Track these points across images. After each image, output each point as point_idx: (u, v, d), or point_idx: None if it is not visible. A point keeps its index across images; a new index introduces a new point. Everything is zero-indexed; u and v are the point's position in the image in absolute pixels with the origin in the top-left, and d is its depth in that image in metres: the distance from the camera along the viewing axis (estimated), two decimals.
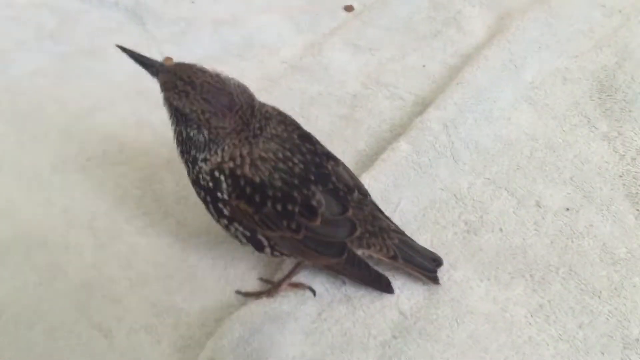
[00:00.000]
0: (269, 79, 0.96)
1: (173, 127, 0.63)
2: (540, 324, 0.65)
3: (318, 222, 0.62)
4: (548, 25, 0.95)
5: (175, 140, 0.64)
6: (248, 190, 0.60)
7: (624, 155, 0.79)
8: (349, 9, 1.07)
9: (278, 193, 0.60)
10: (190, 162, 0.63)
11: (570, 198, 0.76)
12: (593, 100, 0.87)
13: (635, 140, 0.80)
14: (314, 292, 0.69)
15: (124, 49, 0.65)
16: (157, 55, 1.00)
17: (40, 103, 0.94)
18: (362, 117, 0.89)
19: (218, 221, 0.65)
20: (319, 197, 0.62)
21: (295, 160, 0.62)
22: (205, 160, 0.62)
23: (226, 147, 0.61)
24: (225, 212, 0.63)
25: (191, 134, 0.61)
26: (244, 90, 0.62)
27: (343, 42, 1.00)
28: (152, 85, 0.95)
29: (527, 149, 0.82)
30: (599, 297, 0.66)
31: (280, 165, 0.61)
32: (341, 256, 0.65)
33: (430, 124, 0.82)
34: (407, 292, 0.69)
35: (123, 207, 0.80)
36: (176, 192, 0.81)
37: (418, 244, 0.70)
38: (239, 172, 0.60)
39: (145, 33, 1.05)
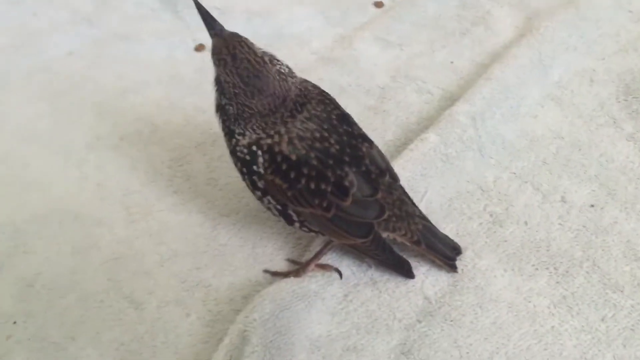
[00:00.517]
0: (299, 69, 0.95)
1: (216, 94, 0.66)
2: (562, 314, 0.66)
3: (349, 202, 0.63)
4: (576, 28, 0.96)
5: (216, 111, 0.67)
6: (284, 166, 0.62)
7: None
8: (378, 5, 1.08)
9: (312, 171, 0.62)
10: (227, 133, 0.65)
11: (595, 195, 0.77)
12: (619, 101, 0.88)
13: None
14: (340, 274, 0.70)
15: (196, 3, 0.67)
16: (190, 43, 1.03)
17: (75, 83, 0.96)
18: (390, 108, 0.90)
19: (253, 192, 0.66)
20: (352, 178, 0.63)
21: (332, 141, 0.63)
22: (242, 134, 0.64)
23: (250, 128, 0.63)
24: (260, 184, 0.64)
25: (223, 102, 0.64)
26: (284, 79, 0.64)
27: (373, 37, 1.01)
28: (184, 71, 0.98)
29: (552, 146, 0.83)
30: (622, 291, 0.67)
31: (317, 144, 0.62)
32: (368, 237, 0.66)
33: (458, 116, 0.83)
34: (431, 278, 0.70)
35: (154, 185, 0.82)
36: (206, 173, 0.83)
37: (440, 232, 0.71)
38: (276, 148, 0.62)
39: (179, 20, 1.07)
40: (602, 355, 0.63)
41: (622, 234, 0.73)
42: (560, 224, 0.74)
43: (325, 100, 0.67)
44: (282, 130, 0.63)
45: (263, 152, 0.63)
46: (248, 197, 0.79)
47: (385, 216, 0.66)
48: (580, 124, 0.85)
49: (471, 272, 0.71)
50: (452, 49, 0.99)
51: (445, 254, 0.70)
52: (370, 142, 0.68)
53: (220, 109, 0.66)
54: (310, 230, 0.67)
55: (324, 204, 0.63)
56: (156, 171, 0.83)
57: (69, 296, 0.71)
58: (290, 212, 0.65)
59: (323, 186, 0.62)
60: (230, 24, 1.03)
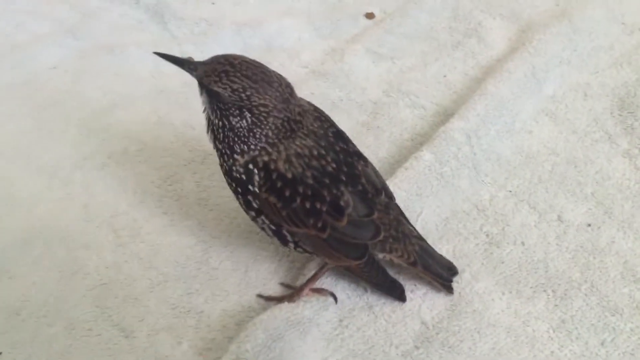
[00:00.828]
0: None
1: (213, 119, 0.63)
2: (562, 339, 0.65)
3: (344, 222, 0.62)
4: (569, 40, 0.96)
5: (210, 132, 0.64)
6: (279, 184, 0.60)
7: None
8: (370, 16, 1.07)
9: (308, 190, 0.61)
10: (226, 153, 0.63)
11: (592, 214, 0.76)
12: (614, 116, 0.87)
13: None
14: (335, 298, 0.69)
15: (160, 55, 0.65)
16: (177, 55, 1.00)
17: (59, 98, 0.94)
18: (383, 124, 0.89)
19: (246, 212, 0.65)
20: (347, 198, 0.62)
21: (329, 159, 0.62)
22: (242, 152, 0.61)
23: (266, 134, 0.61)
24: (254, 204, 0.63)
25: (233, 121, 0.61)
26: (280, 74, 0.63)
27: (364, 49, 1.00)
28: (172, 85, 0.96)
29: (548, 163, 0.82)
30: (621, 314, 0.67)
31: (314, 162, 0.61)
32: (362, 258, 0.65)
33: (453, 134, 0.82)
34: (428, 302, 0.69)
35: (143, 206, 0.79)
36: (197, 193, 0.81)
37: (437, 252, 0.70)
38: (272, 166, 0.60)
39: (166, 32, 1.05)
40: None
41: (620, 254, 0.72)
42: (557, 244, 0.73)
43: (321, 117, 0.66)
44: (281, 147, 0.61)
45: (259, 170, 0.61)
46: (240, 218, 0.77)
47: (381, 237, 0.65)
48: (575, 139, 0.85)
49: (469, 295, 0.70)
50: (444, 62, 0.97)
51: (441, 275, 0.69)
52: (365, 159, 0.67)
53: (224, 132, 0.62)
54: (305, 251, 0.66)
55: (319, 224, 0.62)
56: (145, 191, 0.81)
57: (56, 325, 0.68)
58: (285, 232, 0.64)
59: (318, 206, 0.61)
60: (219, 36, 1.03)
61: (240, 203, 0.65)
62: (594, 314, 0.67)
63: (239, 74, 0.59)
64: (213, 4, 1.12)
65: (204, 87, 0.62)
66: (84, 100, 0.93)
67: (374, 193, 0.65)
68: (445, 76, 0.95)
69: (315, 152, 0.62)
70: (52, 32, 1.05)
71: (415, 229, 0.70)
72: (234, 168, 0.63)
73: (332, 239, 0.63)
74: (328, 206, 0.61)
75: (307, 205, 0.61)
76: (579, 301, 0.68)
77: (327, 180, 0.61)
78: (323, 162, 0.62)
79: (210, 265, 0.73)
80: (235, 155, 0.62)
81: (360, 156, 0.66)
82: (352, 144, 0.67)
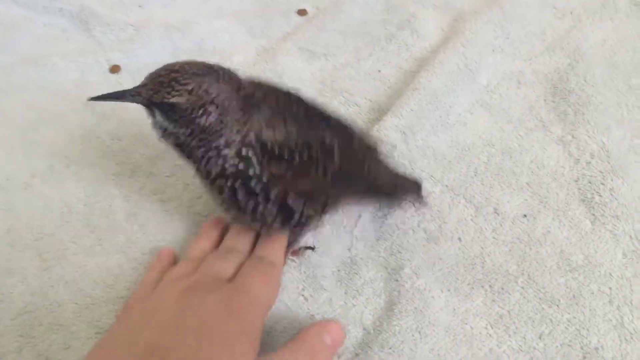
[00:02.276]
0: None
1: (176, 132, 0.59)
2: (500, 335, 0.65)
3: (336, 159, 0.62)
4: (501, 28, 0.95)
5: (177, 149, 0.61)
6: (276, 150, 0.59)
7: (578, 159, 0.79)
8: (302, 12, 1.05)
9: (298, 142, 0.60)
10: (210, 156, 0.59)
11: (528, 204, 0.75)
12: (547, 103, 0.87)
13: (589, 144, 0.80)
14: (312, 248, 0.71)
15: (96, 98, 0.62)
16: (103, 63, 0.96)
17: None
18: None
19: (246, 207, 0.62)
20: (329, 136, 0.62)
21: (294, 108, 0.62)
22: (227, 144, 0.58)
23: (232, 130, 0.58)
24: (258, 188, 0.60)
25: (201, 122, 0.57)
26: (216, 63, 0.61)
27: (297, 48, 0.98)
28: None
29: (483, 154, 0.81)
30: (558, 305, 0.66)
31: (286, 115, 0.60)
32: (365, 187, 0.68)
33: (387, 132, 0.81)
34: (370, 307, 0.68)
35: (69, 226, 0.76)
36: (126, 208, 0.78)
37: (401, 171, 0.75)
38: (263, 136, 0.58)
39: (92, 40, 1.01)
40: None
41: (556, 244, 0.71)
42: (494, 237, 0.73)
43: (268, 84, 0.65)
44: (254, 118, 0.59)
45: (253, 148, 0.58)
46: (171, 233, 0.75)
47: (367, 163, 0.67)
48: (510, 129, 0.84)
49: (409, 292, 0.68)
50: (378, 57, 0.96)
51: (414, 192, 0.75)
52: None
53: (184, 141, 0.59)
54: (308, 219, 0.65)
55: (320, 169, 0.62)
56: (71, 210, 0.78)
57: None
58: (291, 202, 0.62)
59: (313, 153, 0.61)
60: (147, 42, 0.99)
61: (239, 203, 0.62)
62: (531, 307, 0.66)
63: (186, 76, 0.56)
64: (140, 6, 1.08)
65: (155, 106, 0.58)
66: (7, 117, 0.89)
67: (343, 123, 0.67)
68: (379, 71, 0.93)
69: (281, 106, 0.61)
70: None
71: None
72: (226, 165, 0.59)
73: (334, 178, 0.63)
74: (320, 151, 0.61)
75: (305, 156, 0.60)
76: (516, 295, 0.67)
77: (305, 125, 0.61)
78: (293, 112, 0.61)
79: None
80: (223, 151, 0.59)
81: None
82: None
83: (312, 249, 0.72)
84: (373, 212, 0.75)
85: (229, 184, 0.60)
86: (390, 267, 0.70)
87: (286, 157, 0.59)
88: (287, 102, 0.63)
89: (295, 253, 0.72)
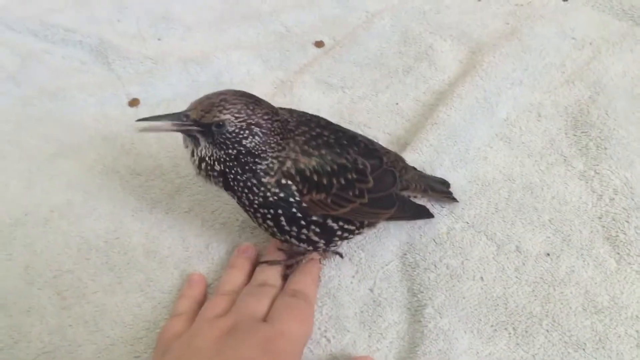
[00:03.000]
0: None
1: (221, 156, 0.62)
2: None
3: (371, 182, 0.65)
4: (520, 60, 0.95)
5: (219, 177, 0.63)
6: (315, 178, 0.62)
7: (601, 195, 0.78)
8: (319, 44, 1.05)
9: (335, 167, 0.63)
10: (252, 184, 0.62)
11: (550, 242, 0.74)
12: (568, 137, 0.86)
13: (612, 180, 0.79)
14: (341, 255, 0.74)
15: (144, 119, 0.63)
16: (122, 97, 0.97)
17: (0, 150, 0.90)
18: None
19: (290, 231, 0.64)
20: (360, 159, 0.65)
21: (326, 133, 0.65)
22: (267, 173, 0.61)
23: (276, 140, 0.61)
24: (299, 214, 0.62)
25: (247, 143, 0.60)
26: None
27: (314, 80, 0.98)
28: (117, 129, 0.93)
29: (504, 190, 0.80)
30: (584, 349, 0.65)
31: (319, 141, 0.63)
32: (395, 204, 0.69)
33: None
34: (394, 350, 0.67)
35: (88, 263, 0.76)
36: (144, 245, 0.77)
37: (428, 174, 0.79)
38: (301, 165, 0.61)
39: (111, 73, 1.02)
40: None
41: (580, 284, 0.70)
42: (516, 277, 0.71)
43: (297, 111, 0.68)
44: (291, 146, 0.62)
45: (293, 177, 0.61)
46: (191, 269, 0.74)
47: (398, 179, 0.70)
48: (530, 164, 0.83)
49: (433, 332, 0.67)
50: (396, 89, 0.95)
51: (443, 190, 0.78)
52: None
53: (228, 166, 0.62)
54: (350, 234, 0.68)
55: (357, 192, 0.64)
56: (90, 246, 0.77)
57: None
58: (331, 223, 0.65)
59: (349, 176, 0.63)
60: (165, 75, 1.00)
61: (282, 230, 0.64)
62: (557, 351, 0.65)
63: (234, 97, 0.60)
64: (159, 39, 1.09)
65: (203, 127, 0.60)
66: (25, 150, 0.90)
67: (369, 143, 0.69)
68: (397, 104, 0.93)
69: (313, 133, 0.64)
70: None
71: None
72: (268, 194, 0.61)
73: (372, 200, 0.65)
74: (355, 173, 0.64)
75: (342, 180, 0.63)
76: (541, 338, 0.66)
77: (338, 150, 0.64)
78: (325, 138, 0.64)
79: (159, 325, 0.70)
80: (264, 179, 0.61)
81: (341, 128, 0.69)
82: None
83: (341, 256, 0.73)
84: (395, 250, 0.75)
85: (272, 211, 0.62)
86: (414, 307, 0.70)
87: (325, 183, 0.62)
88: (318, 128, 0.65)
89: (324, 255, 0.73)
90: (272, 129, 0.61)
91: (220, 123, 0.59)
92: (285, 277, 0.70)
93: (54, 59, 1.05)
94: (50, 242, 0.78)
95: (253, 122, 0.60)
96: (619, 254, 0.72)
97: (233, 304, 0.65)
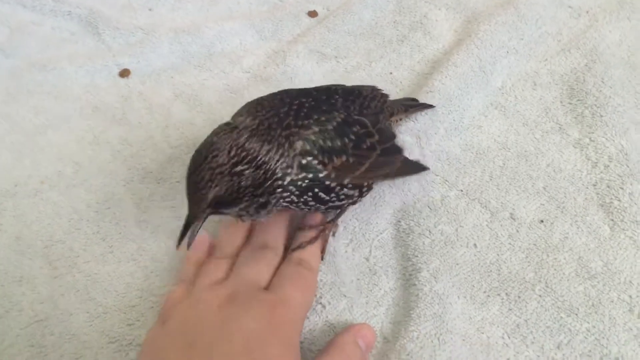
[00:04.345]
0: (232, 90, 0.92)
1: (246, 207, 0.61)
2: (517, 345, 0.63)
3: (375, 134, 0.66)
4: (515, 29, 0.93)
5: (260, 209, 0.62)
6: (329, 143, 0.62)
7: (596, 162, 0.77)
8: (312, 14, 1.03)
9: (335, 124, 0.63)
10: (287, 192, 0.61)
11: (545, 209, 0.74)
12: (564, 105, 0.85)
13: (607, 147, 0.78)
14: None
15: (180, 242, 0.61)
16: (113, 68, 0.96)
17: None
18: None
19: (330, 202, 0.64)
20: (352, 113, 0.66)
21: (303, 99, 0.65)
22: (284, 176, 0.60)
23: (270, 138, 0.60)
24: (332, 184, 0.63)
25: (245, 184, 0.59)
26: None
27: (308, 50, 0.96)
28: (108, 100, 0.92)
29: (499, 158, 0.79)
30: (577, 314, 0.65)
31: (305, 110, 0.63)
32: (402, 149, 0.72)
33: (402, 135, 0.79)
34: (390, 317, 0.67)
35: (80, 233, 0.75)
36: (136, 215, 0.77)
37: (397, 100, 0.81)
38: (308, 147, 0.61)
39: (101, 44, 1.00)
40: None
41: (574, 251, 0.70)
42: (510, 243, 0.71)
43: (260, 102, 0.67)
44: (284, 136, 0.61)
45: (309, 153, 0.61)
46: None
47: (389, 117, 0.72)
48: (525, 132, 0.82)
49: (428, 296, 0.67)
50: (390, 58, 0.94)
51: (418, 104, 0.82)
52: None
53: (252, 203, 0.61)
54: (369, 188, 0.68)
55: (369, 145, 0.65)
56: (81, 217, 0.77)
57: None
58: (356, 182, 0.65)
59: (355, 129, 0.64)
60: (156, 45, 0.99)
61: (323, 201, 0.64)
62: (549, 316, 0.65)
63: (197, 171, 0.58)
64: (150, 10, 1.07)
65: (211, 210, 0.60)
66: (14, 123, 0.89)
67: (346, 89, 0.71)
68: (391, 73, 0.92)
69: (295, 107, 0.63)
70: None
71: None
72: (299, 183, 0.61)
73: (383, 151, 0.67)
74: (358, 125, 0.65)
75: (352, 137, 0.64)
76: (534, 303, 0.66)
77: (325, 108, 0.64)
78: (306, 105, 0.64)
79: (151, 293, 0.69)
80: (288, 181, 0.60)
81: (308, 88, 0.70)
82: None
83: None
84: (389, 218, 0.74)
85: (310, 194, 0.62)
86: (408, 272, 0.69)
87: (339, 144, 0.62)
88: (293, 100, 0.65)
89: (333, 227, 0.72)
90: (253, 146, 0.59)
91: (213, 200, 0.58)
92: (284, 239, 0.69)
93: (43, 30, 1.03)
94: (40, 212, 0.78)
95: (229, 168, 0.58)
96: (612, 220, 0.72)
97: (232, 268, 0.64)
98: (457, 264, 0.70)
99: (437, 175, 0.78)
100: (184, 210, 0.75)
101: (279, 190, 0.60)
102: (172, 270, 0.71)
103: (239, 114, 0.65)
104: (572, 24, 0.96)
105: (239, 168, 0.58)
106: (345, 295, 0.67)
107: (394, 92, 0.89)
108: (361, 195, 0.68)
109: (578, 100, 0.85)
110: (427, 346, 0.63)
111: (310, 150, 0.61)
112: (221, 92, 0.91)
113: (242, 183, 0.58)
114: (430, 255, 0.70)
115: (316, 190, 0.62)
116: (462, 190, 0.77)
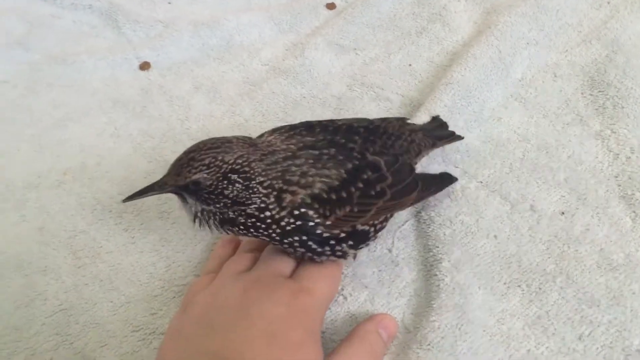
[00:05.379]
0: (251, 82, 0.92)
1: (215, 211, 0.59)
2: (538, 336, 0.63)
3: (388, 177, 0.62)
4: (535, 20, 0.93)
5: (227, 228, 0.60)
6: (333, 196, 0.58)
7: (618, 154, 0.77)
8: (330, 6, 1.03)
9: (345, 176, 0.59)
10: (264, 224, 0.58)
11: (565, 201, 0.73)
12: (585, 97, 0.84)
13: (629, 139, 0.78)
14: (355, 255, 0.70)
15: (128, 199, 0.60)
16: (133, 61, 0.96)
17: (10, 115, 0.90)
18: None
19: (325, 254, 0.61)
20: (368, 155, 0.62)
21: (325, 146, 0.61)
22: (273, 208, 0.57)
23: (265, 177, 0.57)
24: (327, 234, 0.59)
25: (228, 193, 0.57)
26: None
27: (326, 42, 0.96)
28: (128, 94, 0.92)
29: (519, 150, 0.79)
30: (598, 306, 0.64)
31: (324, 159, 0.59)
32: (417, 186, 0.66)
33: None
34: (412, 308, 0.67)
35: (102, 224, 0.76)
36: (158, 206, 0.78)
37: (427, 124, 0.77)
38: (315, 190, 0.57)
39: (121, 37, 1.01)
40: None
41: (595, 243, 0.69)
42: (530, 235, 0.71)
43: (282, 130, 0.64)
44: (291, 170, 0.58)
45: (308, 205, 0.57)
46: (204, 230, 0.74)
47: (409, 158, 0.67)
48: (546, 124, 0.82)
49: (449, 286, 0.66)
50: (409, 51, 0.94)
51: (447, 135, 0.76)
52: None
53: (230, 216, 0.59)
54: (381, 229, 0.65)
55: (379, 190, 0.61)
56: (104, 208, 0.78)
57: (15, 357, 0.65)
58: (361, 228, 0.62)
59: (365, 176, 0.60)
60: (176, 38, 0.99)
61: (314, 253, 0.60)
62: (570, 307, 0.65)
63: (202, 152, 0.56)
64: (169, 3, 1.08)
65: (183, 189, 0.58)
66: (36, 115, 0.90)
67: (369, 124, 0.67)
68: (410, 65, 0.92)
69: (312, 152, 0.60)
70: (0, 45, 1.00)
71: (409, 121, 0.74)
72: (282, 224, 0.58)
73: (395, 193, 0.63)
74: (369, 170, 0.61)
75: (360, 185, 0.60)
76: (555, 295, 0.66)
77: (341, 158, 0.60)
78: (325, 152, 0.60)
79: (173, 283, 0.70)
80: (277, 215, 0.57)
81: (333, 122, 0.67)
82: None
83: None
84: (410, 209, 0.74)
85: (296, 238, 0.59)
86: (429, 262, 0.69)
87: (345, 196, 0.58)
88: (309, 135, 0.62)
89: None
90: (253, 171, 0.57)
91: (195, 182, 0.56)
92: None
93: (63, 23, 1.04)
94: (63, 204, 0.79)
95: (227, 170, 0.56)
96: (634, 212, 0.71)
97: (256, 261, 0.64)
98: (478, 255, 0.70)
99: (456, 167, 0.78)
100: None
101: (252, 219, 0.58)
102: (194, 261, 0.72)
103: (268, 134, 0.64)
104: (593, 15, 0.95)
105: (234, 177, 0.56)
106: (366, 287, 0.68)
107: (413, 85, 0.89)
108: (369, 238, 0.64)
109: (599, 91, 0.84)
110: (448, 336, 0.63)
111: (311, 204, 0.57)
112: (240, 85, 0.92)
113: (226, 192, 0.57)
114: (451, 245, 0.70)
115: (304, 237, 0.59)
116: (481, 182, 0.77)
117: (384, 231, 0.71)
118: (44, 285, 0.71)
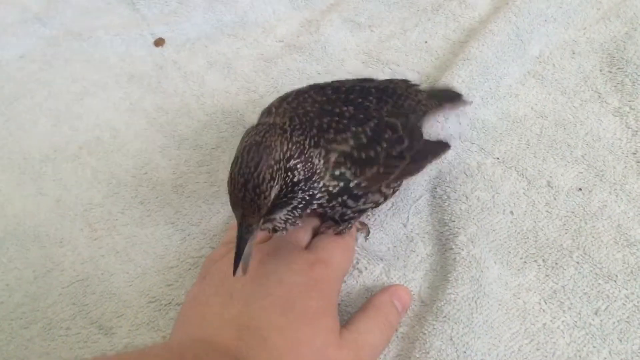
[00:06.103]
0: (265, 59, 0.92)
1: (298, 208, 0.56)
2: (554, 310, 0.63)
3: (405, 141, 0.63)
4: None
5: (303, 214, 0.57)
6: (363, 155, 0.58)
7: (636, 131, 0.76)
8: None
9: (368, 133, 0.59)
10: (314, 194, 0.56)
11: (583, 177, 0.73)
12: (603, 74, 0.83)
13: None
14: (368, 232, 0.70)
15: (236, 268, 0.52)
16: (148, 37, 0.96)
17: (28, 89, 0.90)
18: None
19: (359, 210, 0.62)
20: (384, 114, 0.63)
21: (338, 105, 0.61)
22: (320, 176, 0.56)
23: (308, 155, 0.55)
24: (360, 193, 0.60)
25: (297, 176, 0.54)
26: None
27: (341, 19, 0.96)
28: (143, 69, 0.92)
29: (536, 126, 0.78)
30: (615, 281, 0.64)
31: (347, 122, 0.60)
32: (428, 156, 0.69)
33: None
34: (428, 281, 0.67)
35: (118, 197, 0.77)
36: (173, 180, 0.78)
37: (435, 87, 0.79)
38: (344, 148, 0.58)
39: (135, 13, 1.01)
40: (597, 352, 0.60)
41: (613, 218, 0.69)
42: (547, 211, 0.70)
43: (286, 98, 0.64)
44: (323, 126, 0.58)
45: (343, 164, 0.57)
46: (218, 203, 0.75)
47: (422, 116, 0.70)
48: (563, 100, 0.81)
49: (466, 260, 0.66)
50: (425, 27, 0.93)
51: (454, 97, 0.78)
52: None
53: (303, 205, 0.56)
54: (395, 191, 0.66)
55: (399, 153, 0.62)
56: (119, 181, 0.78)
57: (32, 326, 0.66)
58: (384, 189, 0.63)
59: (387, 135, 0.61)
60: (190, 15, 0.99)
61: (349, 213, 0.61)
62: (587, 282, 0.64)
63: (254, 174, 0.51)
64: None
65: (268, 212, 0.54)
66: (53, 90, 0.90)
67: (379, 85, 0.68)
68: (426, 42, 0.91)
69: (331, 109, 0.61)
70: (18, 20, 1.01)
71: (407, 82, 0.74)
72: (330, 188, 0.57)
73: (412, 158, 0.64)
74: (391, 132, 0.61)
75: (384, 144, 0.60)
76: (571, 270, 0.65)
77: (361, 117, 0.61)
78: (344, 109, 0.61)
79: (189, 255, 0.71)
80: (323, 182, 0.56)
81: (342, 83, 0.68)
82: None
83: (368, 233, 0.71)
84: (425, 185, 0.74)
85: (339, 199, 0.59)
86: (445, 237, 0.69)
87: (373, 155, 0.59)
88: (330, 100, 0.62)
89: (362, 225, 0.70)
90: (299, 151, 0.54)
91: (274, 202, 0.52)
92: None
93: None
94: (79, 177, 0.79)
95: (290, 166, 0.53)
96: None
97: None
98: (494, 230, 0.69)
99: (472, 144, 0.78)
100: (219, 175, 0.77)
101: (316, 189, 0.57)
102: (209, 234, 0.72)
103: (269, 112, 0.62)
104: None
105: (292, 162, 0.53)
106: (382, 259, 0.68)
107: (429, 61, 0.88)
108: (385, 200, 0.65)
109: (618, 68, 0.83)
110: (464, 309, 0.63)
111: (344, 162, 0.57)
112: (255, 61, 0.91)
113: (295, 179, 0.53)
114: (467, 220, 0.70)
115: (345, 197, 0.59)
116: (498, 158, 0.76)
117: (400, 206, 0.71)
118: (61, 256, 0.72)
